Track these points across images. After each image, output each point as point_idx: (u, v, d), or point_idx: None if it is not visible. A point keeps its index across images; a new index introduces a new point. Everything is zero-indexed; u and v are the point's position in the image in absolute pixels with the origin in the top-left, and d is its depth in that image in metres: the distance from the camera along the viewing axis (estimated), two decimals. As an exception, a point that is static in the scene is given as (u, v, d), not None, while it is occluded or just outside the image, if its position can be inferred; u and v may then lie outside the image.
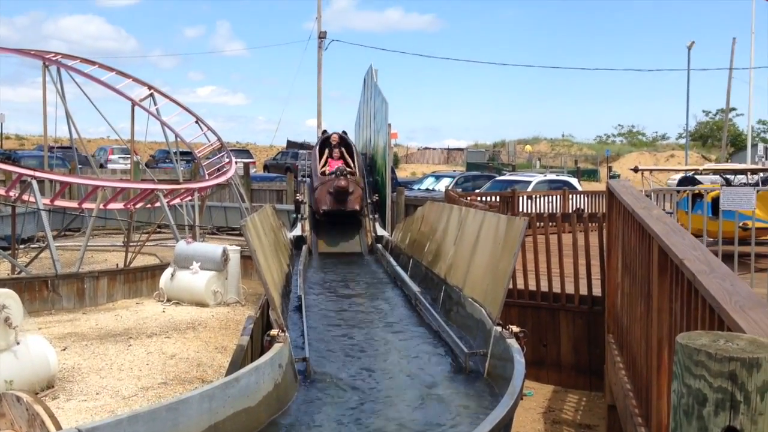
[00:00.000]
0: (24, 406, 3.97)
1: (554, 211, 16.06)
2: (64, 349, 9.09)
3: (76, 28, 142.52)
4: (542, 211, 16.05)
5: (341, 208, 13.60)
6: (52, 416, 3.91)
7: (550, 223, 8.99)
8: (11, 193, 14.78)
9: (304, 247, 12.39)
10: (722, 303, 2.55)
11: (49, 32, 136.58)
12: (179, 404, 3.57)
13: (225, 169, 20.83)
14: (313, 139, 50.49)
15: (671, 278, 3.66)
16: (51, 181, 16.86)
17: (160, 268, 13.51)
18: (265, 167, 42.51)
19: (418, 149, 68.54)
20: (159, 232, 19.33)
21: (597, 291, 8.08)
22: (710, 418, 1.61)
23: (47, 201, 15.10)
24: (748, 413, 1.61)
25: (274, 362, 4.50)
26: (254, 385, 4.15)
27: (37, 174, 14.19)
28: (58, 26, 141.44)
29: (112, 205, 15.81)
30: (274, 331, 4.98)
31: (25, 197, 14.24)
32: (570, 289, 8.32)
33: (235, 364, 5.97)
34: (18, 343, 7.15)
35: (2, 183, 19.81)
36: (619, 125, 79.01)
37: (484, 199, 16.01)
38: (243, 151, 41.38)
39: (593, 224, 9.45)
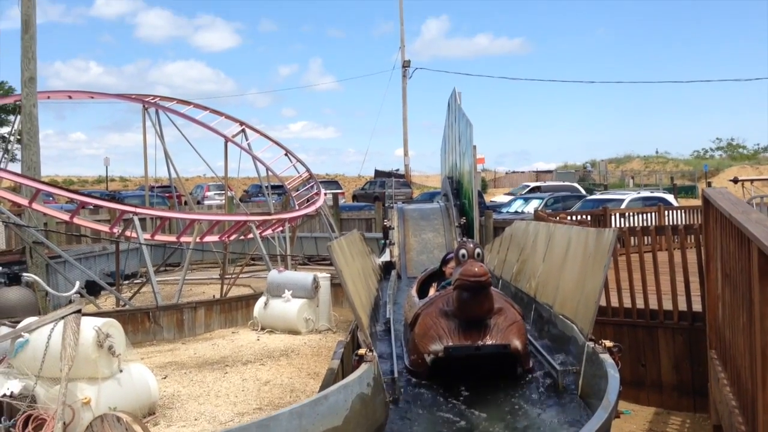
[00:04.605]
0: (123, 426, 4.13)
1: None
2: (165, 377, 9.40)
3: (178, 73, 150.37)
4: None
5: (478, 343, 5.48)
6: (149, 435, 4.04)
7: (644, 238, 8.69)
8: (115, 230, 15.52)
9: (393, 272, 12.41)
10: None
11: (154, 78, 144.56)
12: (270, 421, 3.61)
13: (314, 200, 21.24)
14: (401, 166, 50.43)
15: (772, 282, 3.47)
16: (151, 217, 17.60)
17: (254, 297, 13.83)
18: (354, 197, 43.14)
19: (507, 173, 67.79)
20: (252, 265, 19.84)
21: (696, 307, 7.73)
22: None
23: (148, 236, 15.76)
24: None
25: (362, 380, 4.51)
26: (342, 403, 4.16)
27: (138, 210, 14.88)
28: (162, 72, 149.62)
29: (207, 238, 16.35)
30: (361, 351, 4.99)
31: (127, 233, 14.92)
32: (668, 305, 8.00)
33: (326, 386, 6.02)
34: (121, 371, 7.44)
35: (107, 222, 20.85)
36: (717, 138, 75.66)
37: (574, 218, 15.64)
38: (332, 182, 42.16)
39: (690, 240, 9.07)
